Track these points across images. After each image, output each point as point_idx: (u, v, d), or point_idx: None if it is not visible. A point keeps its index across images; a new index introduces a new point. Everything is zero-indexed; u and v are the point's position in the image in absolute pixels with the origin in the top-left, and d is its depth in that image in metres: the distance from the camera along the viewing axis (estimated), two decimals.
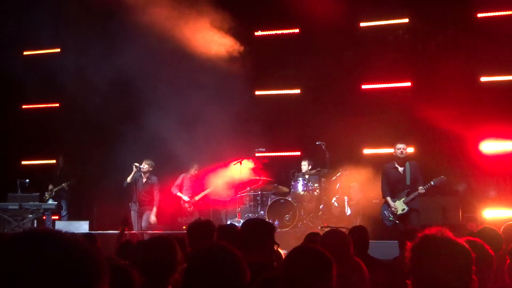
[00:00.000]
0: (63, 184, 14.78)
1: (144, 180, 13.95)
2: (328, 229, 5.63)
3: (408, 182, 11.71)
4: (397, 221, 11.65)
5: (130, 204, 13.96)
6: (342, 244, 4.93)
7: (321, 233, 6.52)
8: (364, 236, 6.51)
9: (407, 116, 14.66)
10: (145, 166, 13.82)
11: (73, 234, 1.55)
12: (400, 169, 11.85)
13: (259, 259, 4.47)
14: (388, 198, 11.79)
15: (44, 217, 14.28)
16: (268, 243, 4.71)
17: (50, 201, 14.54)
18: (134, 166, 13.64)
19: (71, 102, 16.81)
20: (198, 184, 14.38)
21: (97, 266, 1.47)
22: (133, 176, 13.73)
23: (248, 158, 14.16)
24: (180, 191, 14.38)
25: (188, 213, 14.04)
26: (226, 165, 14.34)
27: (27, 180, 13.87)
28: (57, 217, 14.77)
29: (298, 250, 3.50)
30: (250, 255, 4.48)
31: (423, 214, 12.00)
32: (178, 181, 14.45)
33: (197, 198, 14.19)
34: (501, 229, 6.53)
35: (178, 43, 14.57)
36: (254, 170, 14.16)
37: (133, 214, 13.66)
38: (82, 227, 12.96)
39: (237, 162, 13.95)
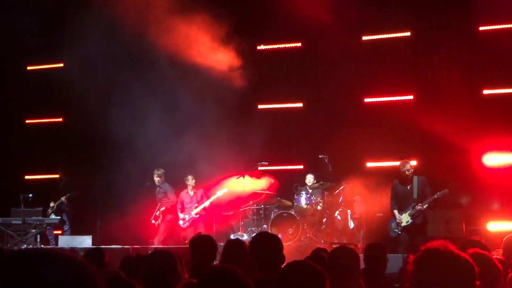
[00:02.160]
0: (62, 199, 14.74)
1: (157, 190, 13.91)
2: (338, 245, 5.64)
3: (415, 196, 11.78)
4: (400, 232, 11.72)
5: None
6: (351, 260, 4.93)
7: (329, 249, 6.52)
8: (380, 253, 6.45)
9: (410, 129, 14.68)
10: (156, 178, 13.84)
11: (69, 251, 1.55)
12: (408, 185, 11.92)
13: (269, 275, 4.48)
14: (395, 211, 11.89)
15: (46, 232, 14.28)
16: (279, 259, 4.71)
17: (53, 216, 14.52)
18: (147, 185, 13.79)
19: (74, 116, 16.86)
20: (199, 199, 14.20)
21: (93, 283, 1.47)
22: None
23: (250, 172, 14.15)
24: (182, 209, 14.21)
25: (184, 229, 13.93)
26: (228, 178, 14.33)
27: (31, 195, 13.85)
28: (60, 232, 14.75)
29: (291, 265, 3.51)
30: (260, 270, 4.49)
31: (427, 226, 12.00)
32: (178, 202, 14.29)
33: (193, 213, 14.03)
34: (502, 242, 6.52)
35: (181, 57, 14.63)
36: (256, 183, 14.17)
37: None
38: (85, 241, 12.92)
39: (240, 176, 13.94)
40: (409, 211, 11.74)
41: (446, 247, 2.68)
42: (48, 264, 1.44)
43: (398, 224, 11.82)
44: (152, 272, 4.39)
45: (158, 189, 14.05)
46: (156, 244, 13.42)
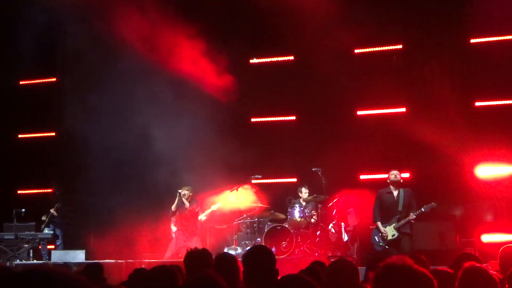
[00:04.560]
0: (51, 211, 14.70)
1: (186, 206, 13.74)
2: (336, 258, 5.63)
3: (400, 208, 11.77)
4: (386, 246, 11.68)
5: (172, 233, 13.79)
6: (351, 273, 4.93)
7: (327, 262, 6.51)
8: None
9: (403, 141, 14.72)
10: (185, 192, 13.63)
11: (64, 268, 1.56)
12: (395, 193, 11.91)
13: None
14: (379, 223, 11.88)
15: (39, 247, 14.21)
16: (272, 273, 4.69)
17: (46, 230, 14.46)
18: (178, 193, 13.52)
19: (67, 131, 16.83)
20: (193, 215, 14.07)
21: None
22: (177, 204, 13.62)
23: (244, 185, 14.12)
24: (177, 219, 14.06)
25: (180, 244, 13.76)
26: (222, 192, 14.29)
27: (23, 210, 13.80)
28: (53, 247, 14.69)
29: (285, 279, 3.50)
30: (254, 284, 4.48)
31: (419, 238, 11.98)
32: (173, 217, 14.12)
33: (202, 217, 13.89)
34: (499, 252, 6.53)
35: (174, 72, 14.65)
36: (250, 197, 14.15)
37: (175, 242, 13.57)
38: (79, 256, 12.85)
39: (234, 189, 13.91)
40: (394, 224, 11.71)
41: (405, 262, 2.67)
42: (46, 282, 1.44)
43: (384, 238, 11.78)
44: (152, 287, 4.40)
45: (187, 205, 13.79)
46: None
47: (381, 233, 11.79)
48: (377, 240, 11.89)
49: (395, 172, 11.99)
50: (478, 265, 4.33)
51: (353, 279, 4.88)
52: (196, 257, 5.88)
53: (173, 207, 13.66)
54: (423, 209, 11.54)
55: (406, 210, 11.71)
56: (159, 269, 4.69)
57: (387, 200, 11.96)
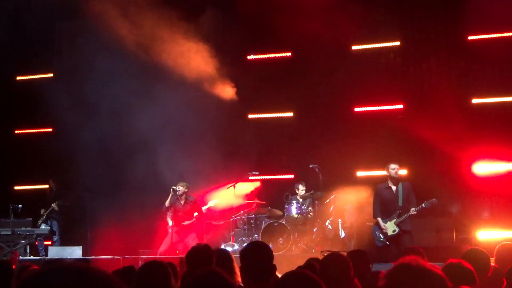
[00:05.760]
0: (52, 205, 14.68)
1: (182, 202, 13.74)
2: (328, 253, 5.61)
3: (400, 203, 11.74)
4: (387, 242, 11.67)
5: (169, 227, 13.78)
6: (342, 267, 4.92)
7: (321, 257, 6.51)
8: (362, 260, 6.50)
9: (400, 138, 14.71)
10: (180, 188, 13.60)
11: (96, 267, 1.57)
12: (394, 188, 11.89)
13: (261, 285, 4.46)
14: (379, 219, 11.85)
15: (36, 243, 14.21)
16: (270, 268, 4.69)
17: (43, 226, 14.45)
18: (171, 189, 13.52)
19: (64, 127, 16.80)
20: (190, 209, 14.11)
21: None
22: (170, 200, 13.62)
23: (241, 181, 14.13)
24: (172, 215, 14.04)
25: (176, 239, 13.74)
26: (219, 188, 14.30)
27: (20, 205, 13.79)
28: (49, 243, 14.68)
29: (289, 275, 3.50)
30: (251, 280, 4.48)
31: (417, 235, 11.98)
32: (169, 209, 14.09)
33: (185, 223, 13.86)
34: (495, 250, 6.56)
35: (172, 67, 14.63)
36: (247, 193, 14.16)
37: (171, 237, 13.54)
38: (75, 252, 12.85)
39: (231, 186, 13.91)
40: (394, 220, 11.69)
41: (418, 263, 2.61)
42: (84, 281, 1.45)
43: (384, 233, 11.77)
44: (144, 283, 4.38)
45: (183, 201, 13.74)
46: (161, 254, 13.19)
47: (382, 228, 11.79)
48: (377, 235, 11.89)
49: (395, 166, 11.94)
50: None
51: (345, 273, 4.88)
52: (199, 253, 5.88)
53: (167, 203, 13.63)
54: (423, 205, 11.51)
55: (406, 205, 11.70)
56: (150, 265, 4.68)
57: (387, 196, 11.95)
